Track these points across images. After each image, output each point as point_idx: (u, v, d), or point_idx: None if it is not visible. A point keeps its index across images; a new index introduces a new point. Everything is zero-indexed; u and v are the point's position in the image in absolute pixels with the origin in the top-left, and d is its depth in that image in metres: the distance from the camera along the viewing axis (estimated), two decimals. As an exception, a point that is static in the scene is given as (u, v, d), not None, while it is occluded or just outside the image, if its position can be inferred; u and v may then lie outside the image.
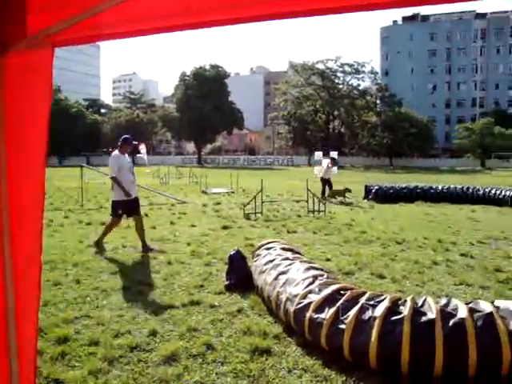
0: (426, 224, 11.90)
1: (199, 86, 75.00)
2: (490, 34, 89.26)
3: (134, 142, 8.98)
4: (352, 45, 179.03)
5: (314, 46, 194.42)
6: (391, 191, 17.49)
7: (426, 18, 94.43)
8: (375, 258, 7.77)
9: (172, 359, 4.00)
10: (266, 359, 4.03)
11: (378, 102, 74.81)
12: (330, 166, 18.59)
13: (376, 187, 17.73)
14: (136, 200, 8.45)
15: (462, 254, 8.25)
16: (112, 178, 8.25)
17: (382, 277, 6.61)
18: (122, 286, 6.05)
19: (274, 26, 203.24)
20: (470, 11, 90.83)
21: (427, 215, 13.61)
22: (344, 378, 3.70)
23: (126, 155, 8.50)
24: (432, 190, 17.70)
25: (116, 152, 8.39)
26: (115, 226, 8.67)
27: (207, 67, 79.52)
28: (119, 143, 8.40)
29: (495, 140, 64.27)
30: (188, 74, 79.51)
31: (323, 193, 17.98)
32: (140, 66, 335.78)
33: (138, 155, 29.79)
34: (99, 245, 8.35)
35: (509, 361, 3.68)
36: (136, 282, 6.24)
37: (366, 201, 17.29)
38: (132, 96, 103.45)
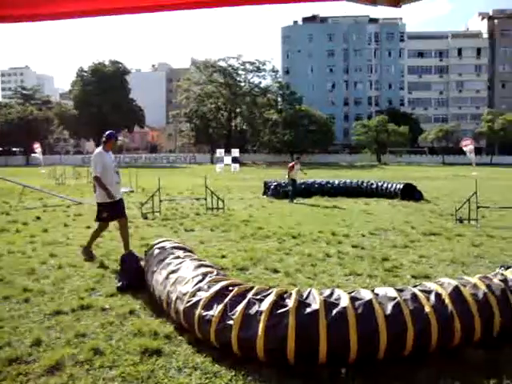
0: (322, 218, 12.36)
1: (98, 83, 72.52)
2: (383, 37, 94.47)
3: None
4: (254, 43, 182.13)
5: (217, 44, 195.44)
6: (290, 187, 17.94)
7: (324, 19, 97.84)
8: (270, 252, 7.95)
9: (56, 368, 3.82)
10: (156, 360, 3.98)
11: (279, 99, 76.38)
12: (296, 166, 17.20)
13: (275, 183, 18.10)
14: (121, 201, 7.84)
15: (353, 246, 8.66)
16: (95, 177, 7.47)
17: (276, 271, 6.77)
18: (3, 296, 5.66)
19: (177, 22, 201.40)
20: (364, 16, 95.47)
21: (323, 209, 14.15)
22: (233, 373, 3.74)
23: (111, 152, 7.73)
24: (329, 185, 18.43)
25: (99, 149, 7.60)
26: (104, 230, 8.05)
27: (106, 63, 77.05)
28: (103, 139, 7.65)
29: (389, 136, 68.18)
30: (86, 69, 76.56)
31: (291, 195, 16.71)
32: (33, 59, 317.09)
33: (33, 154, 28.26)
34: (87, 251, 7.63)
35: (385, 345, 3.92)
36: (21, 289, 5.89)
37: (264, 197, 17.61)
38: (24, 91, 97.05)
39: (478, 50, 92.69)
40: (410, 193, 16.76)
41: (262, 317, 3.86)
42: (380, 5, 1.91)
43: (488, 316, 4.33)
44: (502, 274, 4.91)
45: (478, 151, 65.66)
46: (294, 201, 16.38)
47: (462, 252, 8.30)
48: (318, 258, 7.60)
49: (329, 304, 3.98)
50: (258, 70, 75.18)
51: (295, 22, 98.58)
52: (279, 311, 3.90)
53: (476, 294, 4.42)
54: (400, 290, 4.35)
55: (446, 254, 8.13)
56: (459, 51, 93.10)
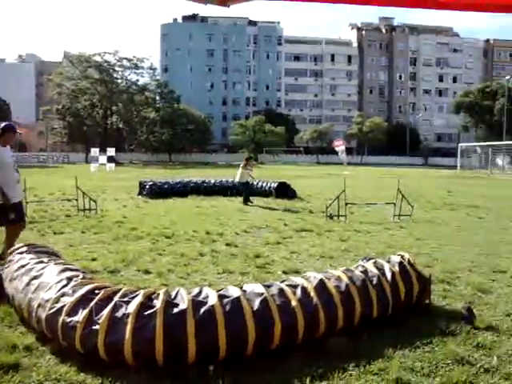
0: (197, 217, 12.37)
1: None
2: (261, 40, 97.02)
3: None
4: (131, 39, 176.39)
5: (92, 37, 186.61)
6: (166, 186, 17.75)
7: (204, 19, 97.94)
8: (143, 253, 7.78)
9: None
10: (13, 376, 3.66)
11: (158, 98, 75.17)
12: (248, 167, 16.58)
13: (150, 183, 17.75)
14: (20, 204, 6.91)
15: (227, 244, 8.77)
16: None
17: (148, 272, 6.64)
18: None
19: (47, 10, 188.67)
20: (243, 18, 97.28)
21: (199, 208, 14.17)
22: (100, 381, 3.60)
23: (8, 147, 6.75)
24: (205, 184, 18.50)
25: None
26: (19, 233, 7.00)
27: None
28: None
29: (266, 136, 70.16)
30: None
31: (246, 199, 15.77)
32: None
33: None
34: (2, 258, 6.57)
35: (254, 341, 4.02)
36: None
37: (140, 197, 17.20)
38: None
39: (349, 57, 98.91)
40: (284, 191, 17.37)
41: (129, 319, 3.76)
42: (209, 3, 1.97)
43: (350, 306, 4.63)
44: (363, 266, 5.28)
45: (349, 151, 70.03)
46: (249, 203, 15.54)
47: (330, 247, 8.78)
48: (192, 258, 7.59)
49: (197, 303, 3.98)
50: (136, 67, 73.26)
51: (175, 20, 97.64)
52: (147, 312, 3.83)
53: (339, 285, 4.70)
54: (268, 286, 4.48)
55: (316, 249, 8.55)
56: (332, 57, 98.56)
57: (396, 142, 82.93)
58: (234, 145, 76.72)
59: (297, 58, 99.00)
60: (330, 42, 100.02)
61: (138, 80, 74.57)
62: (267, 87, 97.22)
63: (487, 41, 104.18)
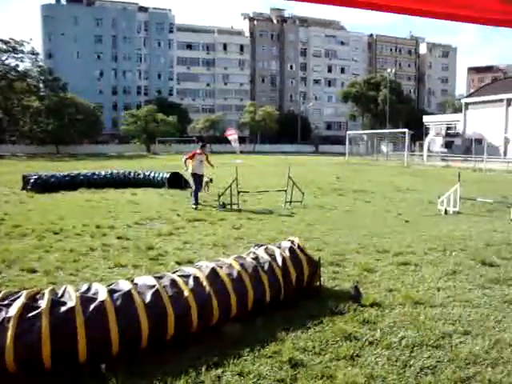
0: (87, 211, 11.87)
1: None
2: (152, 27, 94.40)
3: None
4: (7, 19, 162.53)
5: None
6: (52, 180, 16.78)
7: (91, 2, 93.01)
8: (28, 252, 7.33)
9: None
10: None
11: (41, 85, 70.62)
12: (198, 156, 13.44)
13: (35, 176, 16.66)
14: None
15: (118, 237, 8.53)
16: None
17: (33, 271, 6.27)
18: None
19: None
20: (133, 3, 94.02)
21: (89, 202, 13.61)
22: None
23: None
24: (95, 176, 17.78)
25: None
26: None
27: None
28: None
29: (158, 126, 68.83)
30: None
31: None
32: None
33: None
34: None
35: (148, 334, 3.96)
36: None
37: (24, 191, 16.13)
38: None
39: (241, 47, 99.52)
40: (177, 181, 17.17)
41: (11, 323, 3.53)
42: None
43: (243, 292, 4.70)
44: (254, 253, 5.38)
45: (242, 140, 70.78)
46: (199, 206, 12.61)
47: (223, 235, 8.85)
48: (81, 253, 7.29)
49: (85, 300, 3.84)
50: (15, 50, 67.94)
51: (58, 1, 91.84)
52: (30, 314, 3.62)
53: (231, 273, 4.76)
54: (159, 278, 4.43)
55: (209, 238, 8.58)
56: (225, 46, 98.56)
57: (288, 130, 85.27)
58: (125, 135, 74.35)
59: (189, 46, 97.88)
60: (223, 32, 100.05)
61: (17, 65, 69.29)
62: (159, 76, 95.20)
63: (371, 35, 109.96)
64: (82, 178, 17.50)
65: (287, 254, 5.35)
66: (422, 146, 51.37)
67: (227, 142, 49.98)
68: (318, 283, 5.69)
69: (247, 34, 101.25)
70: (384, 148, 55.23)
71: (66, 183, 16.69)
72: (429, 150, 48.78)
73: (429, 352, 4.14)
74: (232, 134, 45.13)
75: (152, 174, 17.99)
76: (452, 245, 8.21)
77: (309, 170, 28.82)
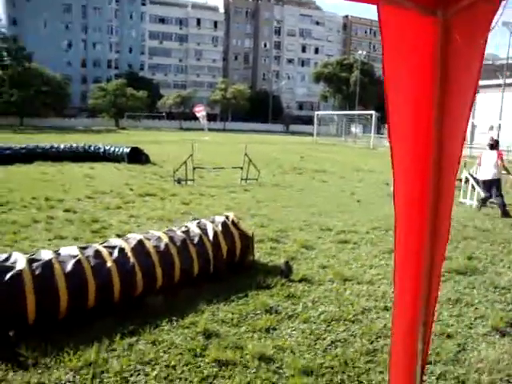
0: (40, 184, 11.72)
1: None
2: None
3: None
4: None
5: None
6: (7, 152, 16.37)
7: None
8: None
9: None
10: None
11: (5, 54, 68.04)
12: None
13: (-2, 149, 16.27)
14: None
15: (65, 210, 8.48)
16: None
17: (-32, 242, 6.22)
18: None
19: None
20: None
21: (44, 175, 13.42)
22: None
23: None
24: (54, 149, 17.46)
25: None
26: None
27: None
28: None
29: (128, 101, 67.74)
30: None
31: None
32: None
33: None
34: None
35: (66, 302, 3.99)
36: None
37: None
38: None
39: (215, 23, 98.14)
40: (138, 156, 17.05)
41: None
42: None
43: (169, 264, 4.77)
44: (186, 226, 5.43)
45: (212, 117, 70.24)
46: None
47: (171, 210, 8.89)
48: (24, 225, 7.23)
49: (3, 269, 3.84)
50: (-27, 15, 65.16)
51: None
52: None
53: (158, 245, 4.81)
54: (83, 248, 4.45)
55: (156, 212, 8.61)
56: (198, 21, 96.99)
57: (259, 109, 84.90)
58: (93, 109, 72.94)
59: (162, 20, 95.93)
60: (197, 6, 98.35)
61: (-24, 32, 66.59)
62: (130, 50, 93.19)
63: (346, 17, 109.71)
64: (39, 150, 17.15)
65: (219, 228, 5.43)
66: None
67: (197, 118, 49.37)
68: (251, 258, 5.79)
69: (222, 10, 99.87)
70: (354, 130, 55.62)
71: (22, 156, 16.34)
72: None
73: (344, 326, 4.29)
74: (200, 111, 44.58)
75: (112, 149, 17.77)
76: (395, 224, 8.40)
77: (275, 150, 28.88)
